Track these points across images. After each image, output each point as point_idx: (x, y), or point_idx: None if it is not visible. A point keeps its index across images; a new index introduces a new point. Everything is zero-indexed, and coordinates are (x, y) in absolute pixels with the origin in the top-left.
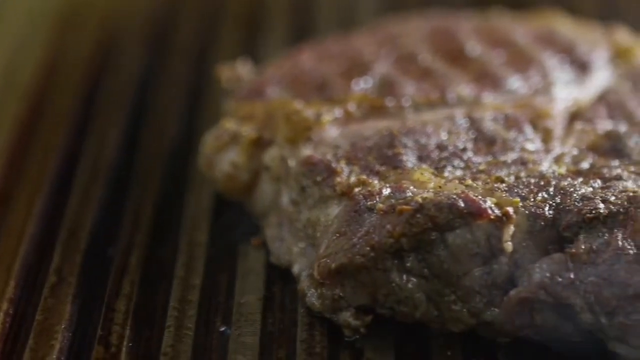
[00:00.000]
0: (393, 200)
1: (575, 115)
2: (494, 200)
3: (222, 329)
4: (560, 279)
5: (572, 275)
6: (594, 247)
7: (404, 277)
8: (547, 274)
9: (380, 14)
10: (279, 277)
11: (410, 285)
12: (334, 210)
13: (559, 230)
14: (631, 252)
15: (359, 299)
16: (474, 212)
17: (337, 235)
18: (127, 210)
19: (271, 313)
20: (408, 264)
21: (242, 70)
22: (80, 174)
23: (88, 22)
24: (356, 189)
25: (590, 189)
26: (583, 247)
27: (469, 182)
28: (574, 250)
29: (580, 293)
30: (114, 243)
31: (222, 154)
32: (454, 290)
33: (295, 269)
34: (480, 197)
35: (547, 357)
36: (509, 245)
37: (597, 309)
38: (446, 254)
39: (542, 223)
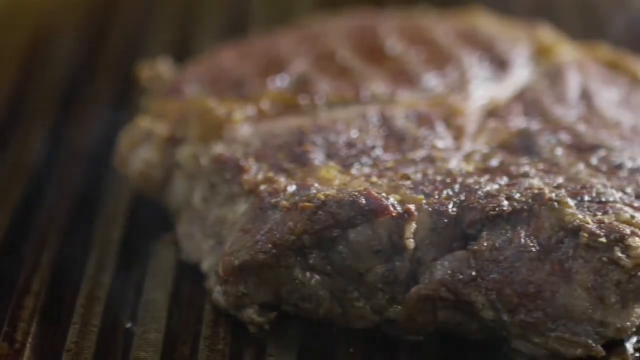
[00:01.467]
0: (297, 198)
1: (491, 113)
2: (398, 197)
3: (128, 325)
4: (461, 276)
5: (473, 273)
6: (497, 244)
7: (307, 274)
8: (449, 271)
9: (317, 10)
10: (189, 274)
11: (313, 282)
12: (242, 207)
13: (462, 228)
14: (533, 249)
15: (262, 296)
16: (376, 209)
17: (242, 232)
18: (44, 207)
19: (178, 310)
20: (311, 261)
21: (162, 68)
22: (1, 169)
23: (22, 16)
24: (262, 187)
25: (496, 186)
26: (485, 244)
27: (374, 179)
28: (476, 248)
29: (482, 290)
30: (27, 241)
31: (135, 151)
32: (356, 287)
33: (204, 266)
34: (383, 194)
35: (449, 355)
36: (410, 242)
37: (499, 306)
38: (348, 250)
39: (445, 220)
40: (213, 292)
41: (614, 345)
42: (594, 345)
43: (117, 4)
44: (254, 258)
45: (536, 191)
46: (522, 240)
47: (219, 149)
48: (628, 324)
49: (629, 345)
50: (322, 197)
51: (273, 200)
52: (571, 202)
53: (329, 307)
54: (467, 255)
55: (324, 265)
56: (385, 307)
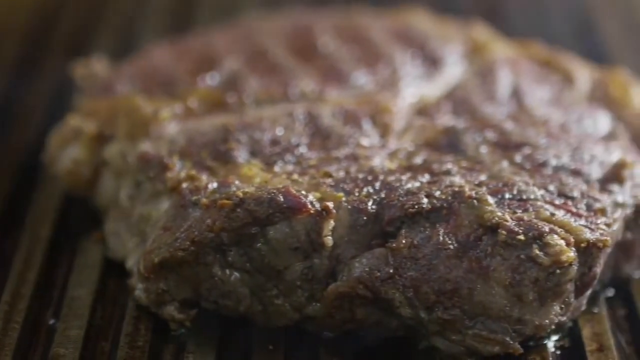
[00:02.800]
0: (217, 195)
1: (420, 111)
2: (318, 195)
3: (51, 322)
4: (379, 274)
5: (391, 270)
6: (415, 241)
7: (227, 271)
8: (367, 269)
9: (262, 7)
10: (116, 271)
11: (232, 280)
12: (165, 205)
13: (382, 225)
14: (452, 247)
15: (182, 293)
16: (294, 207)
17: (163, 230)
18: None
19: (101, 307)
20: (230, 258)
21: (97, 66)
22: None
23: None
24: (184, 184)
25: (418, 184)
26: (404, 241)
27: (296, 177)
28: (394, 245)
29: (399, 288)
30: None
31: (64, 150)
32: (276, 284)
33: (129, 263)
34: (303, 191)
35: (369, 352)
36: (328, 240)
37: (416, 304)
38: (267, 248)
39: (365, 218)
40: (135, 290)
41: (535, 342)
42: (511, 342)
43: (63, 2)
44: (173, 255)
45: (456, 189)
46: (441, 238)
47: (144, 146)
48: (546, 321)
49: (550, 344)
50: (241, 195)
51: (194, 198)
52: (491, 199)
53: (249, 305)
54: (385, 252)
55: (243, 263)
56: (305, 305)
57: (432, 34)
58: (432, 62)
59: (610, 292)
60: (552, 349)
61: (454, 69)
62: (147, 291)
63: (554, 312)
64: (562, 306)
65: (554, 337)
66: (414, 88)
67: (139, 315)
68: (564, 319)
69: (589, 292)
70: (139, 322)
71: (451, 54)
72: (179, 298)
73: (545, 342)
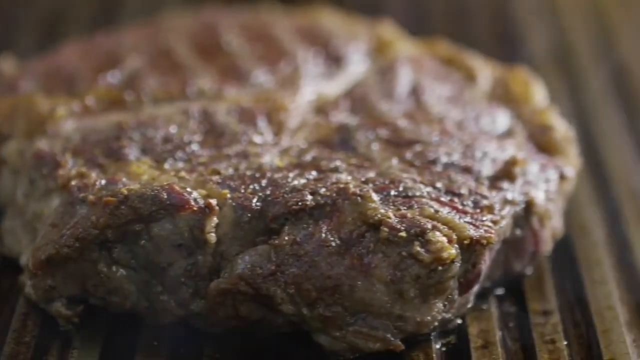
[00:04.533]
0: (104, 192)
1: (319, 109)
2: (204, 192)
3: None
4: (260, 270)
5: (273, 267)
6: (298, 238)
7: (112, 268)
8: (249, 265)
9: (185, 4)
10: (10, 269)
11: (118, 276)
12: (56, 202)
13: (266, 222)
14: (334, 244)
15: (69, 289)
16: (177, 204)
17: (51, 227)
18: None
19: None
20: (115, 255)
21: (3, 65)
22: None
23: None
24: (73, 182)
25: (304, 181)
26: (287, 238)
27: (184, 174)
28: (277, 242)
29: (281, 285)
30: None
31: None
32: (161, 281)
33: (22, 260)
34: (188, 188)
35: (253, 347)
36: (211, 237)
37: (298, 301)
38: (151, 245)
39: (249, 215)
40: (26, 286)
41: (421, 339)
42: (392, 339)
43: None
44: (58, 252)
45: (341, 186)
46: (323, 235)
47: (40, 144)
48: (429, 318)
49: (436, 340)
50: (125, 192)
51: (81, 195)
52: (376, 196)
53: (135, 301)
54: (268, 249)
55: (129, 259)
56: (189, 301)
57: (338, 32)
58: (334, 60)
59: (501, 290)
60: (438, 346)
61: (357, 67)
62: (36, 287)
63: (436, 309)
64: (446, 303)
65: (440, 334)
66: (315, 86)
67: (28, 311)
68: (448, 315)
69: (474, 289)
70: (28, 319)
71: (355, 52)
72: (66, 294)
73: (431, 338)
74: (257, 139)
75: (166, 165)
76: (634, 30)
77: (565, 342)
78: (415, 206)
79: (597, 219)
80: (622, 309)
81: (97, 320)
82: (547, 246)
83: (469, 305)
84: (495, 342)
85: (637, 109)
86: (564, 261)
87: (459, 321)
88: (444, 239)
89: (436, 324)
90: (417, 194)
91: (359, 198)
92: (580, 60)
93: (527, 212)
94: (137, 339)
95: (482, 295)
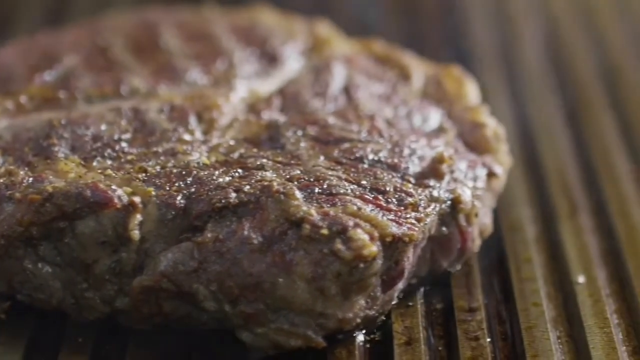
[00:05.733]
0: (30, 190)
1: (251, 107)
2: (129, 190)
3: None
4: (183, 267)
5: (195, 264)
6: (221, 236)
7: (38, 265)
8: (171, 263)
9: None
10: None
11: (44, 273)
12: None
13: (191, 220)
14: (256, 241)
15: None
16: (100, 202)
17: None
18: None
19: None
20: (41, 252)
21: None
22: None
23: None
24: (1, 179)
25: (229, 178)
26: (209, 235)
27: (110, 172)
28: (199, 239)
29: (203, 282)
30: None
31: None
32: (86, 278)
33: None
34: (113, 186)
35: (177, 344)
36: (135, 234)
37: (221, 298)
38: (75, 242)
39: (174, 212)
40: None
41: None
42: (314, 336)
43: None
44: None
45: (265, 183)
46: (245, 232)
47: None
48: (350, 315)
49: (361, 337)
50: (50, 190)
51: (8, 193)
52: (299, 194)
53: (61, 298)
54: (191, 247)
55: (54, 257)
56: (114, 298)
57: (276, 32)
58: (270, 59)
59: (428, 286)
60: (361, 343)
61: (292, 65)
62: None
63: (358, 307)
64: (368, 300)
65: (365, 331)
66: (249, 84)
67: None
68: (371, 312)
69: (399, 286)
70: None
71: (291, 51)
72: None
73: (356, 335)
74: (186, 136)
75: (94, 163)
76: (581, 28)
77: (489, 339)
78: (339, 204)
79: (529, 217)
80: (549, 305)
81: (24, 316)
82: (475, 243)
83: (394, 302)
84: (419, 339)
85: (576, 107)
86: (494, 258)
87: (384, 318)
88: (366, 237)
89: (359, 321)
90: (341, 191)
91: (282, 196)
92: (523, 56)
93: (453, 210)
94: (62, 335)
95: (409, 292)
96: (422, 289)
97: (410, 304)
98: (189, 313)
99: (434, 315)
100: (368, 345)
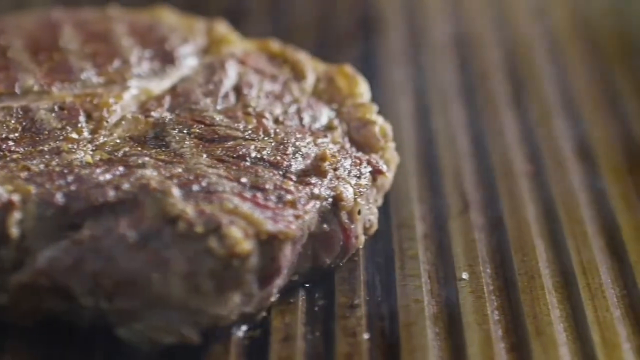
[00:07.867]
0: None
1: (142, 105)
2: (10, 188)
3: None
4: (60, 264)
5: (72, 261)
6: (98, 233)
7: None
8: (48, 260)
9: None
10: None
11: None
12: None
13: (70, 218)
14: (131, 239)
15: None
16: None
17: None
18: None
19: None
20: None
21: None
22: None
23: None
24: None
25: (110, 176)
26: (86, 233)
27: None
28: (77, 237)
29: (80, 278)
30: None
31: None
32: None
33: None
34: None
35: (57, 339)
36: (13, 232)
37: (97, 294)
38: None
39: (53, 210)
40: None
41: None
42: (188, 333)
43: None
44: None
45: (144, 182)
46: (122, 230)
47: None
48: (225, 312)
49: (240, 334)
50: None
51: None
52: (177, 192)
53: None
54: (69, 244)
55: None
56: None
57: (174, 31)
58: (167, 58)
59: (311, 283)
60: (239, 339)
61: (187, 64)
62: None
63: (234, 303)
64: (244, 297)
65: (246, 327)
66: (143, 83)
67: None
68: (248, 309)
69: (277, 282)
70: None
71: (187, 50)
72: None
73: (234, 332)
74: (74, 135)
75: None
76: (495, 29)
77: (366, 336)
78: (216, 201)
79: (420, 214)
80: (430, 302)
81: None
82: (358, 240)
83: (273, 299)
84: (296, 336)
85: (480, 105)
86: (380, 255)
87: (266, 314)
88: (240, 234)
89: (235, 317)
90: (220, 189)
91: (159, 194)
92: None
93: (335, 207)
94: None
95: (291, 289)
96: (305, 286)
97: (292, 300)
98: (68, 309)
99: (315, 312)
100: (246, 342)
